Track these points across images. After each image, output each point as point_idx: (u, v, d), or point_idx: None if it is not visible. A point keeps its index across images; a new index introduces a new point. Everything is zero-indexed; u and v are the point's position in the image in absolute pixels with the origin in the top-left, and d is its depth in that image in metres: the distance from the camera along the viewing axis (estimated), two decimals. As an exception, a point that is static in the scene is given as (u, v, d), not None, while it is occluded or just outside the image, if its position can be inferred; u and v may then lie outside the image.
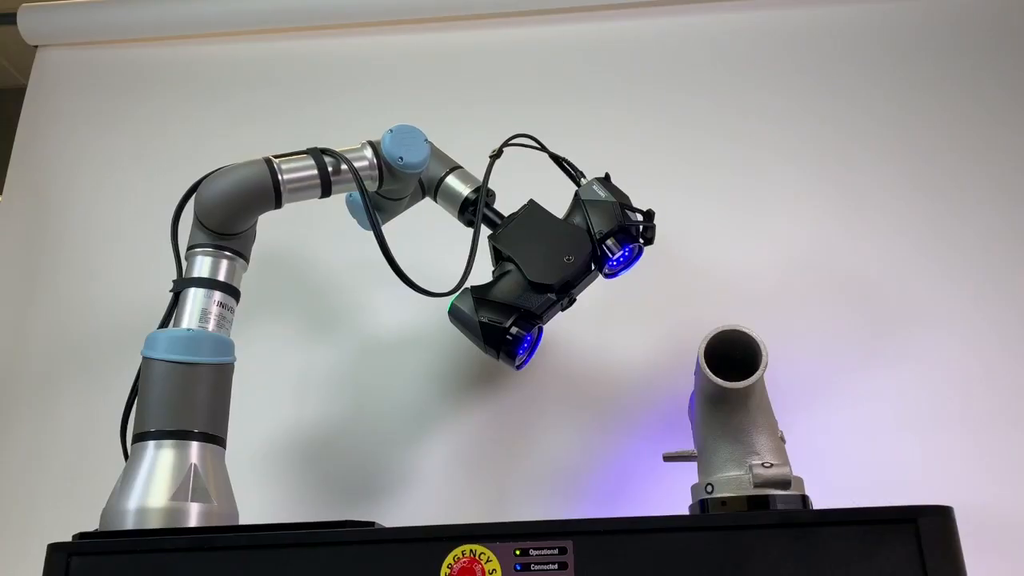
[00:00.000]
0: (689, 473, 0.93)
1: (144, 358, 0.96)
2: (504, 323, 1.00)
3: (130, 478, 0.89)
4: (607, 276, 1.10)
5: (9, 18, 1.75)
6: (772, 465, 0.83)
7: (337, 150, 1.06)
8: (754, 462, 0.84)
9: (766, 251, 1.39)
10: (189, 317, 0.99)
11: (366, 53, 1.66)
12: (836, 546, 0.73)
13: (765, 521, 0.75)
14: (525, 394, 1.34)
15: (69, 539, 0.84)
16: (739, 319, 0.90)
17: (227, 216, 1.02)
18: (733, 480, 0.84)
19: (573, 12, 1.64)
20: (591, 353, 1.35)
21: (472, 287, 1.04)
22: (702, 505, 0.86)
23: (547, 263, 1.03)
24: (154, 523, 0.87)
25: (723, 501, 0.84)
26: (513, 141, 1.15)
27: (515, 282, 1.03)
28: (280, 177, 1.02)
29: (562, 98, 1.55)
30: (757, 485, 0.83)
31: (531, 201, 1.09)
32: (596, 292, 1.36)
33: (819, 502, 0.86)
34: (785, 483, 0.83)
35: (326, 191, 1.06)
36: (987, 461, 1.21)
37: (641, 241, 1.07)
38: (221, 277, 1.02)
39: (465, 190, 1.13)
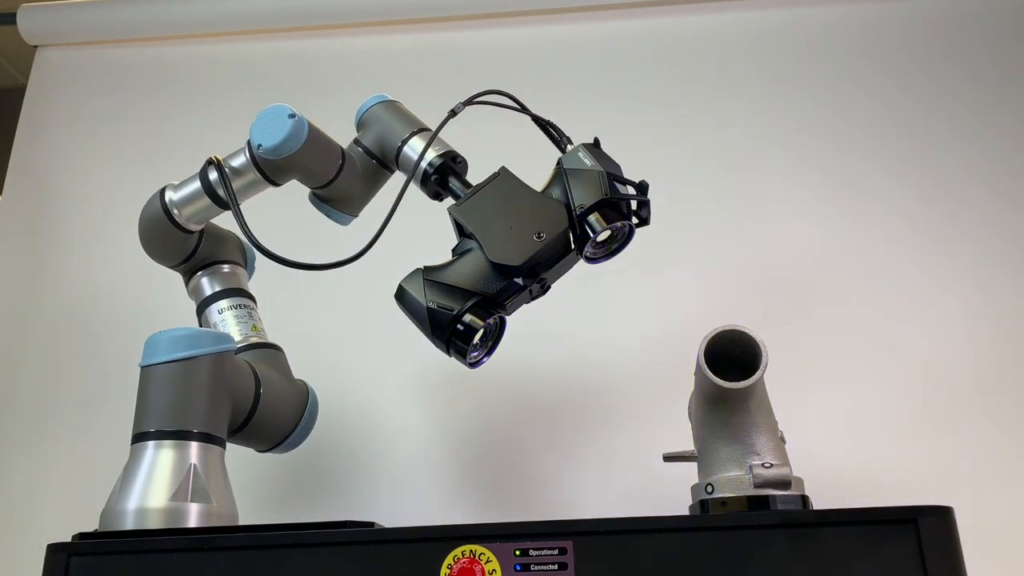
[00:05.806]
0: (689, 473, 0.93)
1: (142, 368, 0.96)
2: (455, 309, 0.83)
3: (129, 478, 0.89)
4: (589, 260, 0.91)
5: (9, 18, 1.75)
6: (772, 465, 0.83)
7: (222, 157, 0.98)
8: (754, 462, 0.84)
9: (765, 250, 1.39)
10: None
11: (366, 52, 1.66)
12: (836, 546, 0.73)
13: (765, 521, 0.75)
14: (525, 394, 1.34)
15: (69, 539, 0.84)
16: (737, 318, 0.90)
17: (156, 252, 1.07)
18: (733, 480, 0.84)
19: (574, 12, 1.64)
20: (591, 353, 1.35)
21: (424, 267, 0.88)
22: (702, 505, 0.86)
23: (513, 240, 0.85)
24: (154, 523, 0.87)
25: (723, 501, 0.84)
26: (484, 98, 0.95)
27: (475, 262, 0.86)
28: (168, 202, 1.02)
29: (563, 98, 1.54)
30: (757, 485, 0.83)
31: (503, 169, 0.92)
32: (596, 290, 1.36)
33: (819, 502, 0.86)
34: (785, 483, 0.83)
35: (220, 204, 1.00)
36: (987, 461, 1.21)
37: (633, 220, 0.88)
38: (207, 292, 1.08)
39: (426, 157, 0.95)
